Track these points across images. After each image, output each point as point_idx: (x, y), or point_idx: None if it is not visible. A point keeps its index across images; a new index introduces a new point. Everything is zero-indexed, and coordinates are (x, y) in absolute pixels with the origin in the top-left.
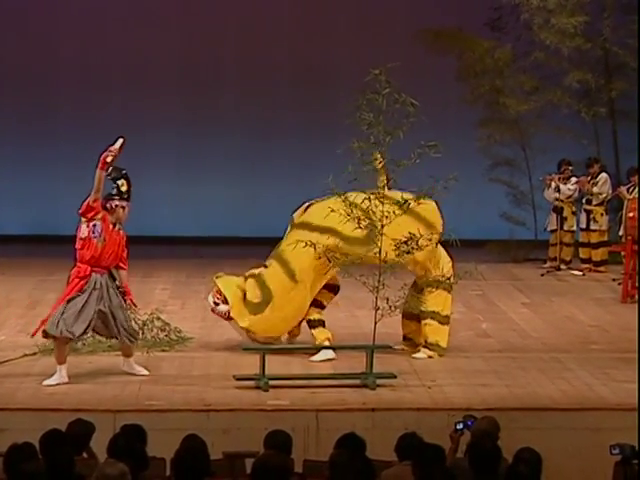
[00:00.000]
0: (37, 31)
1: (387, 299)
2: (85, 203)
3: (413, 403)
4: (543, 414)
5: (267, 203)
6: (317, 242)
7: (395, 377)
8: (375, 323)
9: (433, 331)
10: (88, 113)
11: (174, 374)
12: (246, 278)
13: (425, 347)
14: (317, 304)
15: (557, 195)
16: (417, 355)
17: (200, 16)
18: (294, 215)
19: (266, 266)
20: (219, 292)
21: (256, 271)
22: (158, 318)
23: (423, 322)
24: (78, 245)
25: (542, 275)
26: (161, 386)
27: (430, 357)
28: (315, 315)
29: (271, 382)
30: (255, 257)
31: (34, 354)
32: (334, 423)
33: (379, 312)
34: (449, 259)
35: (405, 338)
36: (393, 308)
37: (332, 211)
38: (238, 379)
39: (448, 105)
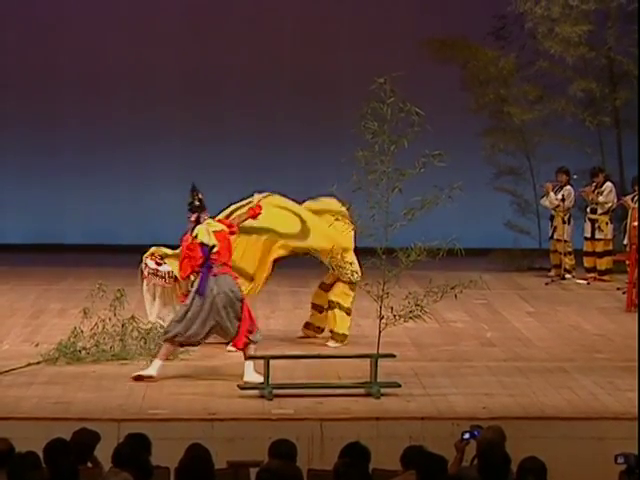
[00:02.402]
0: (41, 40)
1: (391, 308)
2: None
3: (418, 412)
4: (548, 423)
5: None
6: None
7: (400, 386)
8: (379, 332)
9: (339, 321)
10: (92, 122)
11: (178, 383)
12: None
13: (332, 338)
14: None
15: (547, 203)
16: (330, 344)
17: (204, 26)
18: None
19: None
20: (155, 255)
21: None
22: (162, 326)
23: (330, 312)
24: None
25: (546, 284)
26: (165, 395)
27: (336, 347)
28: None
29: (275, 391)
30: None
31: (38, 363)
32: (339, 432)
33: (383, 321)
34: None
35: (306, 325)
36: (397, 317)
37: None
38: (242, 388)
39: (452, 114)
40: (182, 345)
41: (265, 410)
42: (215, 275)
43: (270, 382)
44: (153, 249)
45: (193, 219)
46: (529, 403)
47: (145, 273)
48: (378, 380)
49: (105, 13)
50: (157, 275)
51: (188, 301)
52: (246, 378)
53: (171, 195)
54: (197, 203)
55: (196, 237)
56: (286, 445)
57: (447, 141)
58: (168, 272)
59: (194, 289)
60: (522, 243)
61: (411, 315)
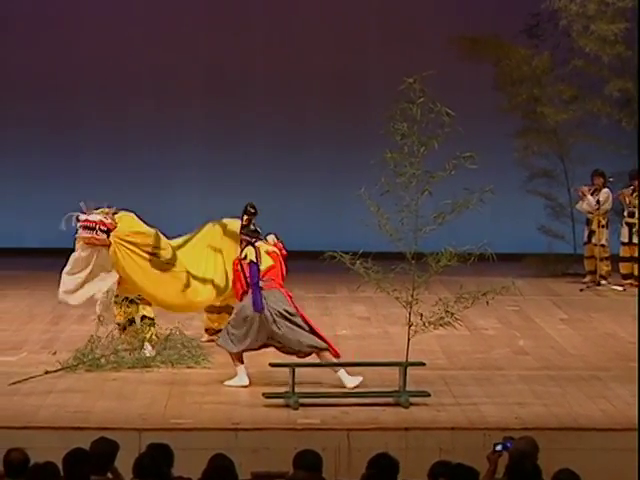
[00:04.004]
0: (61, 40)
1: (421, 315)
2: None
3: (448, 422)
4: (583, 434)
5: (297, 215)
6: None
7: (429, 395)
8: (408, 339)
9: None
10: (113, 124)
11: (201, 391)
12: None
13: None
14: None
15: (585, 207)
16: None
17: (229, 25)
18: None
19: None
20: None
21: None
22: (182, 333)
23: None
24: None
25: (581, 290)
26: (188, 404)
27: None
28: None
29: (301, 400)
30: None
31: (56, 371)
32: (366, 443)
33: (412, 328)
34: None
35: (207, 331)
36: (427, 324)
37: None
38: (267, 397)
39: (484, 115)
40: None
41: (290, 420)
42: (265, 290)
43: (296, 391)
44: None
45: (244, 243)
46: (563, 413)
47: (78, 234)
48: (407, 389)
49: (127, 13)
50: (89, 228)
51: (241, 317)
52: (348, 384)
53: (195, 198)
54: (252, 228)
55: (245, 258)
56: (312, 456)
57: (478, 142)
58: (99, 222)
59: (248, 307)
60: (556, 248)
61: (441, 322)
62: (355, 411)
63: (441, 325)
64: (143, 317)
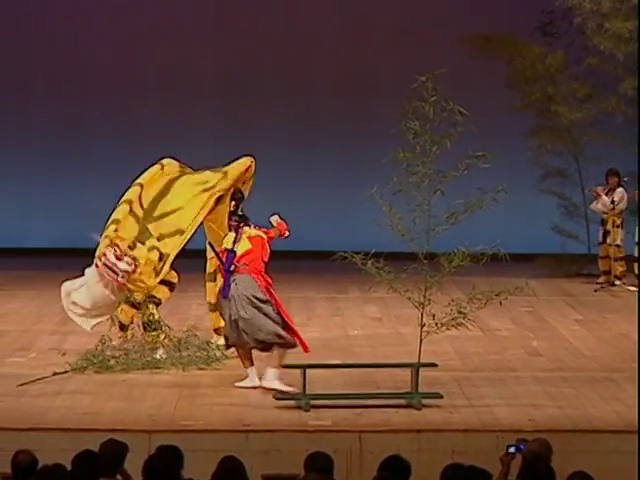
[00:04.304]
0: (69, 38)
1: (433, 315)
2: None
3: (461, 424)
4: (597, 436)
5: (308, 215)
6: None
7: (442, 397)
8: (421, 340)
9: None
10: (122, 121)
11: (211, 393)
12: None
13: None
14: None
15: (600, 207)
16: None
17: (238, 23)
18: None
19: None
20: (115, 246)
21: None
22: (195, 335)
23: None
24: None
25: (595, 291)
26: (198, 405)
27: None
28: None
29: (312, 401)
30: (291, 272)
31: (65, 372)
32: (378, 445)
33: (425, 329)
34: None
35: (216, 331)
36: (439, 325)
37: None
38: (278, 398)
39: (497, 113)
40: (231, 346)
41: (301, 421)
42: (237, 275)
43: (307, 392)
44: (112, 235)
45: (232, 229)
46: (577, 415)
47: (99, 264)
48: (419, 390)
49: (136, 11)
50: (112, 270)
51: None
52: (267, 384)
53: None
54: (240, 213)
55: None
56: (323, 458)
57: (492, 141)
58: (125, 271)
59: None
60: (570, 248)
61: (454, 323)
62: (367, 413)
63: (454, 326)
64: (151, 320)
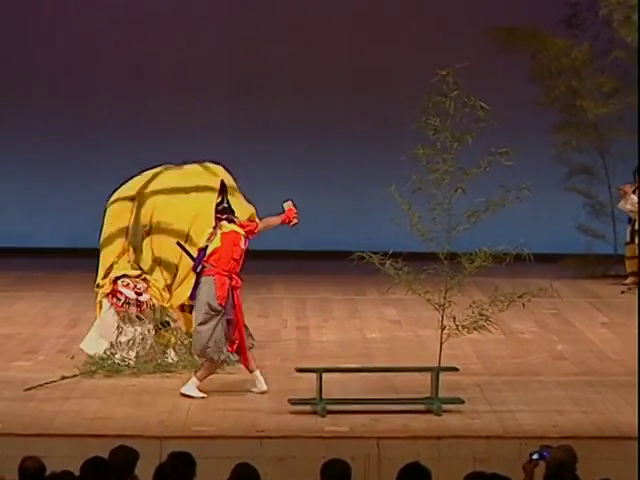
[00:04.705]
0: (78, 33)
1: (454, 318)
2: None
3: (482, 431)
4: (623, 443)
5: (324, 214)
6: None
7: (463, 402)
8: (441, 344)
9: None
10: (131, 118)
11: (224, 398)
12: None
13: None
14: None
15: (629, 206)
16: None
17: (251, 17)
18: None
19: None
20: (130, 284)
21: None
22: None
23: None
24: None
25: (622, 292)
26: (211, 410)
27: None
28: None
29: (329, 406)
30: (307, 273)
31: (74, 376)
32: (397, 452)
33: (445, 332)
34: None
35: None
36: (460, 327)
37: None
38: (293, 403)
39: (521, 109)
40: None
41: (318, 427)
42: (202, 278)
43: (323, 397)
44: (115, 274)
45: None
46: (603, 421)
47: (119, 303)
48: (439, 395)
49: (146, 6)
50: (135, 305)
51: None
52: (185, 390)
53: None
54: (226, 205)
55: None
56: (340, 465)
57: (514, 138)
58: (147, 301)
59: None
60: (596, 248)
61: (475, 325)
62: (385, 418)
63: (475, 329)
64: (166, 322)
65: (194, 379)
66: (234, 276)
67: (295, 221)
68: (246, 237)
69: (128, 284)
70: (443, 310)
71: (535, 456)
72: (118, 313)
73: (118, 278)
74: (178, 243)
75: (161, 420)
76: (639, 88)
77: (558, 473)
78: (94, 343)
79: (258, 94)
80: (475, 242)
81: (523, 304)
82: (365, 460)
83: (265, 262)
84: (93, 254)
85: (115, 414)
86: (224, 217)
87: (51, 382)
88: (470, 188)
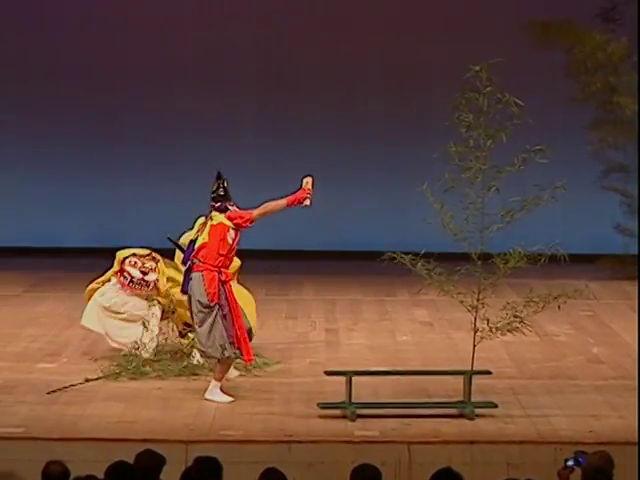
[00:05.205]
0: (102, 28)
1: (487, 320)
2: (252, 218)
3: (516, 435)
4: None
5: (354, 213)
6: None
7: (496, 406)
8: (474, 346)
9: None
10: (158, 115)
11: (252, 401)
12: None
13: None
14: None
15: None
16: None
17: (283, 12)
18: None
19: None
20: (136, 263)
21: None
22: None
23: None
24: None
25: None
26: (238, 414)
27: None
28: None
29: (359, 410)
30: (337, 273)
31: (98, 379)
32: (428, 457)
33: (478, 334)
34: None
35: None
36: (494, 330)
37: None
38: (322, 407)
39: (556, 105)
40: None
41: (347, 432)
42: (192, 274)
43: (353, 401)
44: (125, 253)
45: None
46: None
47: (125, 282)
48: (472, 399)
49: (174, 3)
50: (141, 284)
51: None
52: (209, 396)
53: (244, 194)
54: (222, 192)
55: None
56: (370, 471)
57: (549, 135)
58: (154, 281)
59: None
60: (633, 248)
61: (509, 327)
62: (416, 423)
63: (509, 331)
64: (187, 324)
65: (213, 382)
66: (223, 270)
67: (307, 202)
68: (236, 229)
69: (135, 263)
70: (476, 312)
71: (570, 462)
72: (124, 292)
73: (126, 258)
74: (168, 237)
75: (187, 424)
76: (639, 89)
77: (596, 479)
78: (93, 319)
79: (288, 90)
80: (509, 242)
81: (558, 306)
82: (396, 465)
83: (293, 262)
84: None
85: (140, 418)
86: (217, 205)
87: (75, 385)
88: (504, 187)
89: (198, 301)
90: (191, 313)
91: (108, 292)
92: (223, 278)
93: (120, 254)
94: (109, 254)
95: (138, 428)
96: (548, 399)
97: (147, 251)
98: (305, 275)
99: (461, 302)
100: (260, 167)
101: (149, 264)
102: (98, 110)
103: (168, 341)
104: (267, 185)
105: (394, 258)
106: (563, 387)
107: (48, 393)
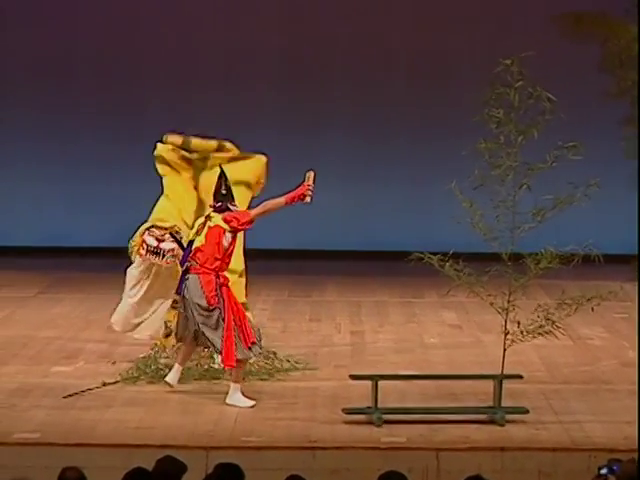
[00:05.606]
0: (121, 20)
1: (518, 322)
2: (249, 220)
3: (548, 442)
4: None
5: (380, 212)
6: None
7: (528, 412)
8: (504, 350)
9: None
10: (179, 109)
11: (275, 407)
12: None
13: None
14: None
15: None
16: None
17: (305, 3)
18: None
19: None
20: (153, 231)
21: None
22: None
23: None
24: (224, 255)
25: None
26: (260, 420)
27: None
28: None
29: (385, 416)
30: (363, 274)
31: (115, 383)
32: (457, 464)
33: (509, 337)
34: None
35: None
36: (525, 332)
37: None
38: (347, 412)
39: (589, 100)
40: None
41: (373, 438)
42: (188, 275)
43: (379, 406)
44: (147, 225)
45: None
46: None
47: (143, 252)
48: (503, 404)
49: None
50: (157, 253)
51: None
52: (230, 401)
53: (266, 191)
54: (224, 192)
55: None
56: (397, 478)
57: (583, 131)
58: (171, 249)
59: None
60: None
61: (541, 330)
62: (445, 428)
63: (540, 334)
64: None
65: (232, 385)
66: (221, 274)
67: (308, 199)
68: (232, 231)
69: (153, 232)
70: (507, 314)
71: (604, 470)
72: (142, 264)
73: (147, 228)
74: (171, 233)
75: (208, 429)
76: (639, 89)
77: None
78: (121, 317)
79: (311, 84)
80: (541, 242)
81: (592, 308)
82: (423, 472)
83: (317, 263)
84: None
85: (159, 423)
86: (217, 205)
87: (92, 389)
88: (535, 184)
89: (197, 304)
90: (185, 316)
91: (131, 273)
92: (221, 281)
93: (142, 227)
94: (127, 254)
95: (157, 434)
96: (581, 404)
97: (170, 224)
98: (329, 276)
99: (491, 304)
100: (281, 164)
101: (168, 235)
102: (117, 105)
103: None
104: (289, 182)
105: (421, 258)
106: (597, 392)
107: (64, 397)
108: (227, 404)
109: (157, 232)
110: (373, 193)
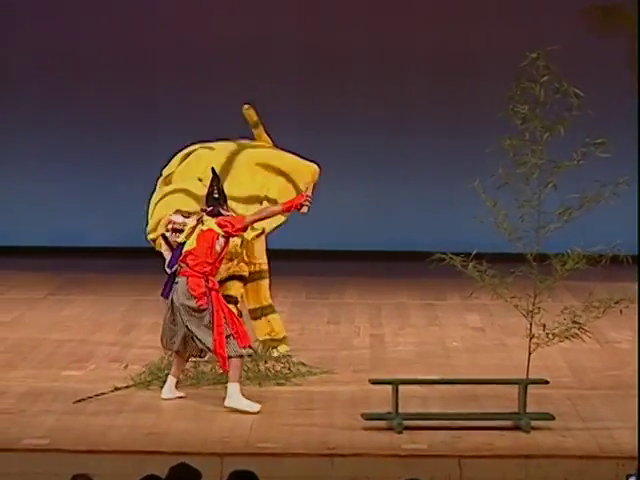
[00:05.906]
0: (132, 14)
1: (544, 325)
2: (243, 226)
3: (575, 449)
4: None
5: (400, 212)
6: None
7: (554, 418)
8: (529, 354)
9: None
10: (190, 106)
11: (291, 412)
12: None
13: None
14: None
15: None
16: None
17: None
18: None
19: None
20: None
21: None
22: (274, 347)
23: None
24: (216, 259)
25: None
26: (276, 426)
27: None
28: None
29: (406, 422)
30: (383, 275)
31: (127, 387)
32: (480, 472)
33: (534, 340)
34: None
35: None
36: (551, 336)
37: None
38: (367, 418)
39: (618, 95)
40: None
41: (394, 444)
42: (177, 279)
43: (400, 412)
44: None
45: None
46: None
47: (169, 228)
48: (528, 411)
49: None
50: (183, 230)
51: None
52: (229, 404)
53: None
54: (216, 195)
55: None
56: None
57: (611, 127)
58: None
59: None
60: None
61: (567, 334)
62: (468, 435)
63: (567, 337)
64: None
65: (229, 385)
66: (210, 278)
67: (305, 209)
68: (226, 236)
69: (179, 211)
70: (532, 317)
71: (633, 478)
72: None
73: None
74: (163, 235)
75: (222, 435)
76: (639, 89)
77: None
78: None
79: (331, 80)
80: (567, 242)
81: (620, 311)
82: None
83: (336, 264)
84: (148, 254)
85: (172, 429)
86: (209, 209)
87: (103, 394)
88: (562, 183)
89: (187, 306)
90: (170, 324)
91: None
92: (210, 285)
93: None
94: (139, 255)
95: (170, 440)
96: (609, 411)
97: (196, 209)
98: (348, 277)
99: (515, 306)
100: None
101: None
102: (129, 103)
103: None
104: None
105: (444, 259)
106: (625, 398)
107: (75, 402)
108: (226, 407)
109: (182, 214)
110: (393, 192)
